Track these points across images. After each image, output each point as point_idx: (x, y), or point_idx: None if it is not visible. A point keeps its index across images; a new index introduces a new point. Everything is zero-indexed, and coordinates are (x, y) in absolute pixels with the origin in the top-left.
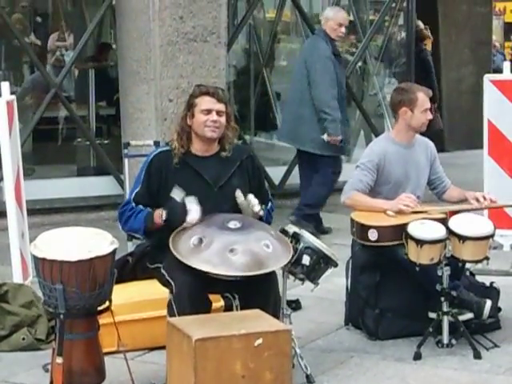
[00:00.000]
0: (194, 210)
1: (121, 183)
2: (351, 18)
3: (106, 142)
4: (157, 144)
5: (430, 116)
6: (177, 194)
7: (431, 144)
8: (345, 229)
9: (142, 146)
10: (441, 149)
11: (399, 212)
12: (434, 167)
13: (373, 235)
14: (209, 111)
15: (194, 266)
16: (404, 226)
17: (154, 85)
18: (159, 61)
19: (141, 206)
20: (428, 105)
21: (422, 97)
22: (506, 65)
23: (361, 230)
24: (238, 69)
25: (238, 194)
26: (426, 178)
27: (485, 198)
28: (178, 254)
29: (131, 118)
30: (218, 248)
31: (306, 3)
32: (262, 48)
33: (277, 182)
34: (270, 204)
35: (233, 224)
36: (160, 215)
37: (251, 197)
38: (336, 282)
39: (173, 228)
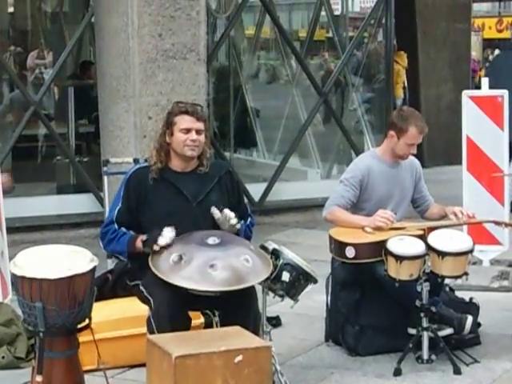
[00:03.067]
0: (167, 235)
1: (100, 201)
2: (330, 34)
3: (85, 159)
4: (136, 161)
5: (413, 151)
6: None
7: (417, 163)
8: (325, 245)
9: (122, 163)
10: (423, 165)
11: (377, 228)
12: (419, 186)
13: (350, 252)
14: (188, 130)
15: (175, 283)
16: (381, 243)
17: (134, 102)
18: (138, 78)
19: (123, 229)
20: (416, 141)
21: (413, 132)
22: (485, 81)
23: (338, 247)
24: (217, 86)
25: (214, 210)
26: (410, 198)
27: (462, 213)
28: (159, 271)
29: (111, 135)
30: (199, 264)
31: (285, 20)
32: (241, 65)
33: (257, 198)
34: (249, 219)
35: (212, 240)
36: (141, 240)
37: (227, 211)
38: (316, 298)
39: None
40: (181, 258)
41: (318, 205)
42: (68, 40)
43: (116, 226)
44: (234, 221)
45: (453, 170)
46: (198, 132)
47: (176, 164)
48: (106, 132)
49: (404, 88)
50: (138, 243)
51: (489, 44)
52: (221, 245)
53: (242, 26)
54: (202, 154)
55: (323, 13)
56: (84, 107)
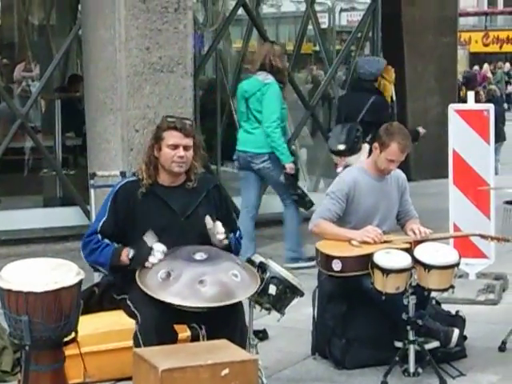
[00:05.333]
0: (158, 254)
1: (87, 214)
2: (317, 48)
3: (72, 172)
4: (123, 174)
5: (393, 168)
6: (149, 238)
7: (403, 176)
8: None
9: (109, 176)
10: (407, 178)
11: (364, 242)
12: (402, 200)
13: (337, 266)
14: (176, 146)
15: (165, 300)
16: (368, 256)
17: (121, 115)
18: (126, 91)
19: (107, 241)
20: (396, 158)
21: (394, 148)
22: (470, 95)
23: (325, 260)
24: (204, 99)
25: (208, 220)
26: (396, 211)
27: (420, 231)
28: (147, 288)
29: (98, 148)
30: (187, 280)
31: (272, 34)
32: (228, 78)
33: None
34: (238, 232)
35: (199, 255)
36: (127, 254)
37: (219, 224)
38: (303, 311)
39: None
40: (169, 274)
41: (305, 218)
42: (55, 53)
43: (99, 236)
44: (221, 236)
45: (440, 183)
46: (186, 148)
47: (164, 178)
48: (93, 145)
49: (392, 102)
50: (124, 257)
51: (475, 58)
52: (208, 260)
53: (229, 39)
54: (189, 169)
55: (310, 26)
56: (71, 120)
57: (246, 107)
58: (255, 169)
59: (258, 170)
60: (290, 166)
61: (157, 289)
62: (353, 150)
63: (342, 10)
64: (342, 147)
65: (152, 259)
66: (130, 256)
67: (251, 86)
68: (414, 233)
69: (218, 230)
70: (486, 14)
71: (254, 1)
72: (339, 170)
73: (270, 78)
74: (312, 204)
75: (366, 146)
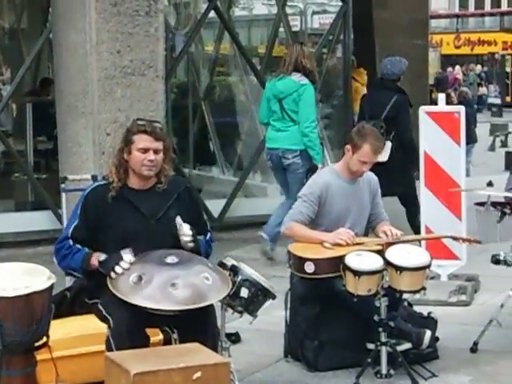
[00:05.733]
0: (124, 264)
1: (59, 218)
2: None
3: (44, 176)
4: (94, 178)
5: (365, 169)
6: (127, 255)
7: (375, 179)
8: (285, 261)
9: (80, 180)
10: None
11: (336, 244)
12: (374, 202)
13: (309, 268)
14: (146, 150)
15: (137, 303)
16: (340, 258)
17: (92, 119)
18: (97, 95)
19: (78, 246)
20: (369, 159)
21: (367, 149)
22: (441, 97)
23: (298, 262)
24: (176, 102)
25: (178, 220)
26: (368, 213)
27: (392, 233)
28: (119, 292)
29: (69, 152)
30: (160, 284)
31: (244, 36)
32: (200, 81)
33: (216, 214)
34: (208, 235)
35: (170, 259)
36: (97, 257)
37: (186, 227)
38: (275, 314)
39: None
40: (140, 278)
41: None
42: (26, 56)
43: (71, 242)
44: (187, 238)
45: None
46: (156, 152)
47: (134, 182)
48: (64, 148)
49: None
50: (94, 261)
51: (447, 60)
52: (180, 263)
53: (201, 42)
54: (160, 172)
55: (282, 29)
56: (43, 124)
57: (279, 107)
58: (285, 164)
59: (287, 166)
60: (320, 166)
61: (129, 293)
62: None
63: (313, 13)
64: None
65: (118, 269)
66: (101, 259)
67: (287, 87)
68: (386, 234)
69: (184, 231)
70: (457, 16)
71: (225, 4)
72: None
73: (305, 80)
74: None
75: (388, 144)
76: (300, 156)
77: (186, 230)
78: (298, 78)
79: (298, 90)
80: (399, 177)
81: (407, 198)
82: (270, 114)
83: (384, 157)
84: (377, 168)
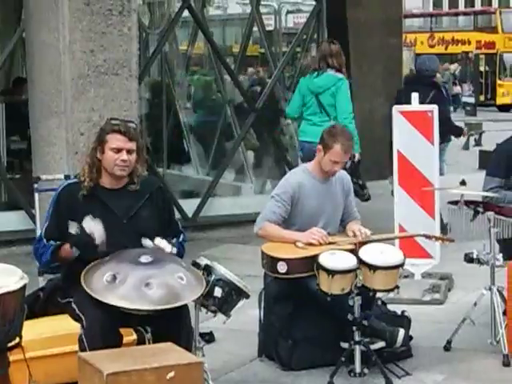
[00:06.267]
0: (95, 230)
1: (32, 218)
2: (263, 50)
3: (17, 176)
4: (67, 178)
5: (337, 169)
6: (73, 228)
7: (347, 177)
8: (258, 260)
9: (53, 180)
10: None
11: (309, 244)
12: (346, 201)
13: (282, 267)
14: (119, 150)
15: (111, 303)
16: (313, 258)
17: (65, 118)
18: (70, 94)
19: (52, 242)
20: (340, 159)
21: (337, 150)
22: (415, 96)
23: (270, 262)
24: (150, 101)
25: (146, 242)
26: (341, 212)
27: (360, 232)
28: (93, 291)
29: (42, 151)
30: (134, 283)
31: (219, 36)
32: (174, 80)
33: (190, 214)
34: (181, 236)
35: (144, 258)
36: (69, 248)
37: (158, 241)
38: (249, 313)
39: (85, 259)
40: (115, 277)
41: (252, 220)
42: None
43: (45, 241)
44: (168, 249)
45: (385, 184)
46: (129, 152)
47: (106, 181)
48: (37, 148)
49: None
50: (65, 247)
51: None
52: (154, 263)
53: (175, 41)
54: (132, 172)
55: (256, 28)
56: (16, 123)
57: (316, 102)
58: None
59: None
60: (358, 155)
61: (103, 292)
62: None
63: (288, 12)
64: None
65: (98, 238)
66: (74, 252)
67: (325, 82)
68: (355, 234)
69: (161, 245)
70: (431, 15)
71: (199, 3)
72: None
73: (340, 74)
74: (369, 198)
75: None
76: None
77: (162, 243)
78: (334, 73)
79: (335, 84)
80: None
81: None
82: (301, 109)
83: None
84: None
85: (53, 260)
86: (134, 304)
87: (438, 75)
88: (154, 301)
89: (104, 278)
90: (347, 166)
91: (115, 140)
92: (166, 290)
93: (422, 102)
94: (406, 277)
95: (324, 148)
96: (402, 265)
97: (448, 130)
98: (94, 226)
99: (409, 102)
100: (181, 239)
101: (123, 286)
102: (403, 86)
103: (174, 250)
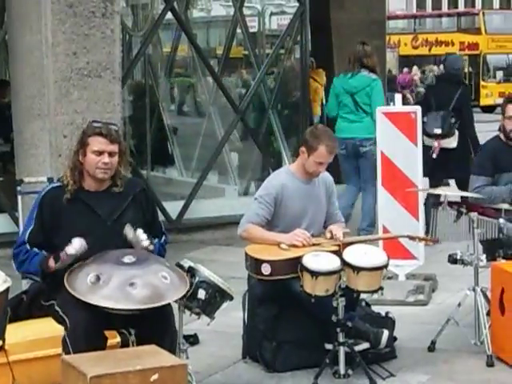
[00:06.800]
0: (76, 243)
1: (16, 221)
2: (246, 52)
3: (0, 179)
4: (50, 180)
5: (322, 170)
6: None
7: (330, 179)
8: (243, 262)
9: (36, 182)
10: (337, 181)
11: (293, 245)
12: (329, 203)
13: (266, 269)
14: (100, 153)
15: (95, 303)
16: (297, 260)
17: (49, 121)
18: (53, 96)
19: (36, 249)
20: (325, 160)
21: (323, 151)
22: (398, 97)
23: (254, 264)
24: (133, 104)
25: (127, 230)
26: (325, 213)
27: (331, 234)
28: (76, 293)
29: (26, 154)
30: (118, 283)
31: (202, 38)
32: (158, 83)
33: (174, 216)
34: (163, 237)
35: (128, 259)
36: (53, 258)
37: (140, 232)
38: (233, 315)
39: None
40: (98, 278)
41: (236, 222)
42: None
43: (28, 246)
44: (145, 243)
45: None
46: (111, 154)
47: (89, 184)
48: (20, 151)
49: (322, 105)
50: (51, 262)
51: (404, 60)
52: (137, 263)
53: (159, 43)
54: (115, 175)
55: (240, 30)
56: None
57: (352, 101)
58: (362, 152)
59: (364, 153)
60: None
61: (87, 293)
62: (448, 133)
63: (271, 14)
64: (438, 131)
65: (69, 250)
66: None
67: (360, 82)
68: (326, 237)
69: (140, 238)
70: (414, 16)
71: (182, 5)
72: (434, 155)
73: (374, 75)
74: None
75: (456, 132)
76: (375, 143)
77: (141, 236)
78: (368, 74)
79: (370, 84)
80: (460, 162)
81: (463, 184)
82: (338, 108)
83: (453, 144)
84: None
85: (41, 271)
86: (118, 304)
87: (416, 77)
88: (138, 300)
89: (88, 278)
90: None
91: (97, 143)
92: (151, 289)
93: (450, 98)
94: (389, 278)
95: (308, 150)
96: (385, 266)
97: (469, 135)
98: (76, 240)
99: (440, 99)
100: (162, 240)
101: (107, 286)
102: (434, 84)
103: (151, 247)
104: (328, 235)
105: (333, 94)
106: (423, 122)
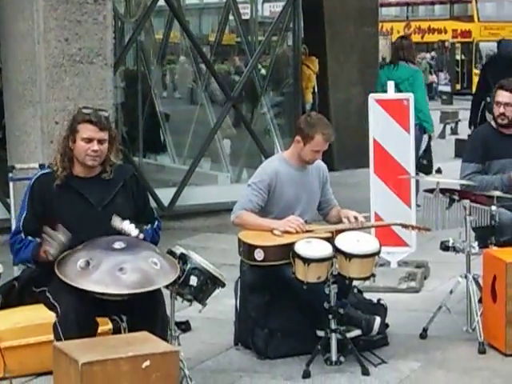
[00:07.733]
0: (54, 242)
1: (7, 207)
2: (239, 39)
3: None
4: (42, 167)
5: (318, 157)
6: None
7: (323, 166)
8: (235, 249)
9: (28, 169)
10: (330, 168)
11: (286, 232)
12: (324, 189)
13: (259, 255)
14: (90, 140)
15: (85, 288)
16: (290, 246)
17: (40, 107)
18: (45, 83)
19: (30, 238)
20: (322, 148)
21: (319, 139)
22: (391, 84)
23: (247, 249)
24: (125, 90)
25: (115, 220)
26: (318, 201)
27: (356, 219)
28: (66, 278)
29: (17, 140)
30: (108, 268)
31: (195, 25)
32: (150, 69)
33: (166, 203)
34: (156, 223)
35: (118, 245)
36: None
37: (126, 223)
38: (225, 302)
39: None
40: (88, 263)
41: (228, 209)
42: None
43: (23, 235)
44: (134, 233)
45: (362, 172)
46: (101, 142)
47: (79, 170)
48: (12, 138)
49: (314, 93)
50: (41, 251)
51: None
52: (127, 249)
53: (151, 30)
54: (105, 161)
55: (232, 17)
56: None
57: (396, 91)
58: None
59: None
60: (433, 134)
61: (77, 277)
62: None
63: (264, 1)
64: None
65: (47, 247)
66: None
67: (404, 73)
68: (349, 221)
69: (128, 229)
70: (407, 4)
71: None
72: None
73: (415, 66)
74: (430, 173)
75: None
76: (418, 129)
77: (128, 227)
78: (408, 65)
79: (413, 75)
80: None
81: None
82: None
83: None
84: None
85: (34, 259)
86: (108, 288)
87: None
88: (127, 285)
89: (77, 264)
90: (424, 146)
91: (86, 130)
92: (140, 274)
93: (502, 77)
94: (381, 265)
95: (304, 139)
96: (377, 253)
97: None
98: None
99: (498, 78)
100: (155, 226)
101: (97, 271)
102: (487, 63)
103: (141, 236)
104: (346, 221)
105: (379, 85)
106: (488, 103)
